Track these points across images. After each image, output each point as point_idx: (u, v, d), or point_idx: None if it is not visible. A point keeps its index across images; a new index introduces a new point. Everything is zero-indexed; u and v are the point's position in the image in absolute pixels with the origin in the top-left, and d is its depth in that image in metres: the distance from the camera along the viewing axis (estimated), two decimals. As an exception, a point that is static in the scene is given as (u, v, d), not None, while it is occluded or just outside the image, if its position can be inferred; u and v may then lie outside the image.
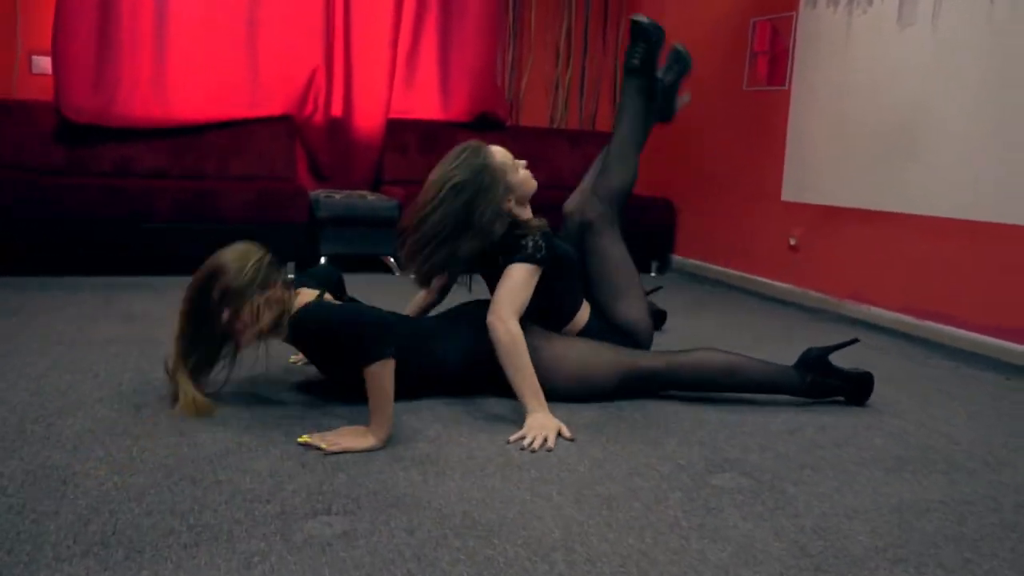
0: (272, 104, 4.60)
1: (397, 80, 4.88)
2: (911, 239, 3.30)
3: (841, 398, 2.35)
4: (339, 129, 4.81)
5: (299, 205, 4.17)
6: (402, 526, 1.49)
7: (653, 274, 4.80)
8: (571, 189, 4.86)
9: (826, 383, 2.30)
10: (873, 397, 2.39)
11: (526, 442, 1.88)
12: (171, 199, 3.92)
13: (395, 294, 3.31)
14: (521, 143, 5.07)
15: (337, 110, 4.79)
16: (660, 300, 3.41)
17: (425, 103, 4.99)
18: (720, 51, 4.47)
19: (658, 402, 2.29)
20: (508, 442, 1.90)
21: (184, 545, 1.40)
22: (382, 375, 1.79)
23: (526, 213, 2.30)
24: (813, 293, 3.83)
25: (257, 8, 4.48)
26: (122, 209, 3.86)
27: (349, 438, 1.82)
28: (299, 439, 1.82)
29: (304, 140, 4.79)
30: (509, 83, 5.26)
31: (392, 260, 4.41)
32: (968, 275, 3.07)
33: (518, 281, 2.12)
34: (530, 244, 2.14)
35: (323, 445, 1.78)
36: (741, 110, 4.30)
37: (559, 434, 1.93)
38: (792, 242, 3.93)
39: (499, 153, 2.22)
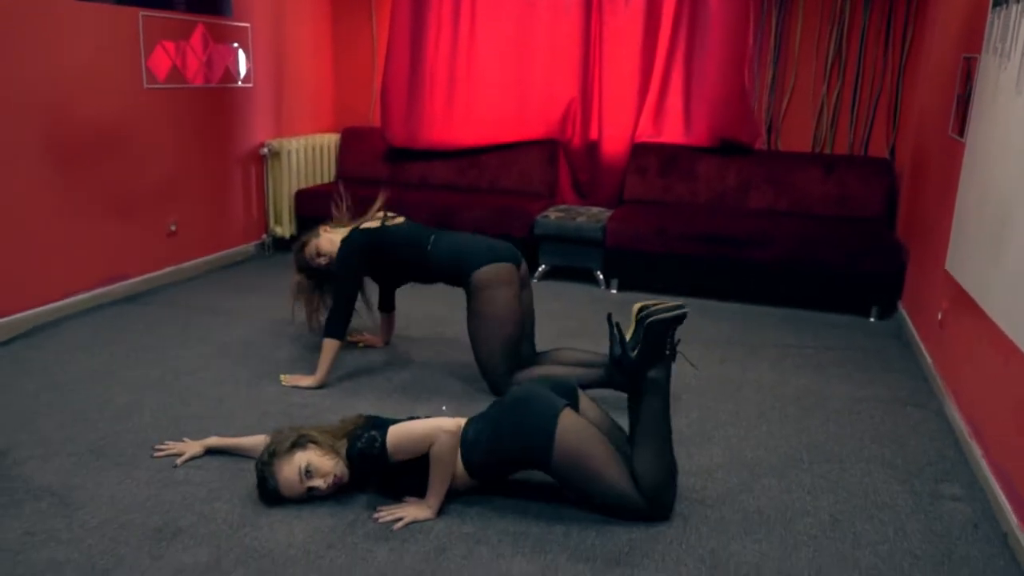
0: (536, 130, 5.50)
1: (647, 108, 5.34)
2: (992, 354, 2.80)
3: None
4: (594, 152, 5.49)
5: (521, 223, 5.04)
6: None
7: (871, 319, 4.50)
8: (814, 218, 5.05)
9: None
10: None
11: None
12: (426, 211, 5.12)
13: (598, 303, 4.52)
14: (766, 167, 5.16)
15: (594, 135, 5.47)
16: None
17: (671, 129, 5.34)
18: (938, 90, 3.95)
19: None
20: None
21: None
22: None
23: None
24: (939, 379, 3.38)
25: (525, 53, 5.37)
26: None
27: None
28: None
29: (568, 160, 5.60)
30: (768, 105, 5.24)
31: (600, 274, 5.00)
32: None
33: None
34: None
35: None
36: (943, 158, 3.79)
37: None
38: (939, 316, 3.48)
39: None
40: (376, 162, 5.77)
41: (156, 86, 4.33)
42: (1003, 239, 2.76)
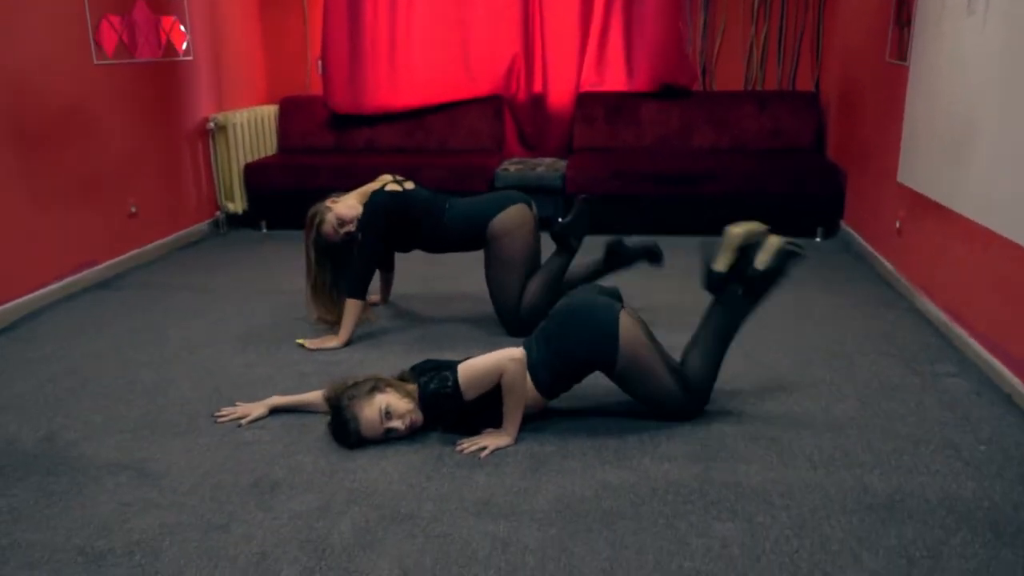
0: (481, 87, 5.58)
1: (589, 58, 5.51)
2: (966, 246, 3.16)
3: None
4: (539, 105, 5.63)
5: (481, 178, 5.14)
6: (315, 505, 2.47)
7: (817, 239, 4.88)
8: (753, 153, 5.33)
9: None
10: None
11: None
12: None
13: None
14: (706, 108, 5.43)
15: (538, 88, 5.60)
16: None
17: (613, 77, 5.55)
18: (868, 21, 4.30)
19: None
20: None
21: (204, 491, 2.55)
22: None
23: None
24: (904, 281, 3.76)
25: (465, 12, 5.43)
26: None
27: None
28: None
29: (513, 115, 5.71)
30: (702, 48, 5.51)
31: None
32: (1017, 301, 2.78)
33: None
34: None
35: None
36: (882, 83, 4.15)
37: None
38: (897, 225, 3.85)
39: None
40: (319, 131, 5.70)
41: (105, 62, 4.15)
42: (968, 145, 3.10)
